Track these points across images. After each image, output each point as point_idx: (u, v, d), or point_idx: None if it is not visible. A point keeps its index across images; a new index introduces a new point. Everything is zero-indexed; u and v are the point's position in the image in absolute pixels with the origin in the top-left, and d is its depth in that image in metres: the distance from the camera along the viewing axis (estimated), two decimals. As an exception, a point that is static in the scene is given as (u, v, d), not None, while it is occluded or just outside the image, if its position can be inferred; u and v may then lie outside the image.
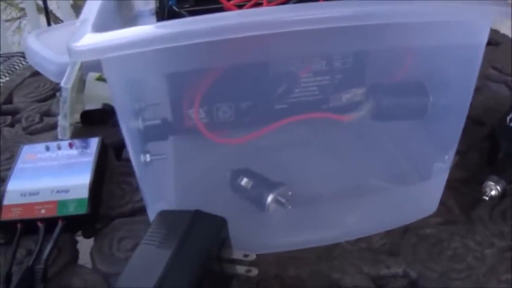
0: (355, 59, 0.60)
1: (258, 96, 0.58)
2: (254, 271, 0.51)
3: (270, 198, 0.57)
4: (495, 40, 1.06)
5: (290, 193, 0.57)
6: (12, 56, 1.27)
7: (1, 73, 1.07)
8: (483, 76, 0.92)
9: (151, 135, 0.55)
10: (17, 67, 1.00)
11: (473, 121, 0.80)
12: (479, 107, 0.83)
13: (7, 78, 1.00)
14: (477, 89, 0.88)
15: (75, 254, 0.63)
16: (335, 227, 0.61)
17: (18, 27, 3.40)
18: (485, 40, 0.52)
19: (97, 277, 0.59)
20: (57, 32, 0.99)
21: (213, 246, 0.50)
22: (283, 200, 0.57)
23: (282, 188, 0.57)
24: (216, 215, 0.51)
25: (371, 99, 0.59)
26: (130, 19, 0.63)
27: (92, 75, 0.80)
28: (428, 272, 0.57)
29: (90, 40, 0.45)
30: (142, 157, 0.54)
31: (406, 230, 0.62)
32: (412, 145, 0.65)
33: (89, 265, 0.62)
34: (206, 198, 0.59)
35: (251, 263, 0.52)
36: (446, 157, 0.61)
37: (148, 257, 0.49)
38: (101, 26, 0.47)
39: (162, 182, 0.59)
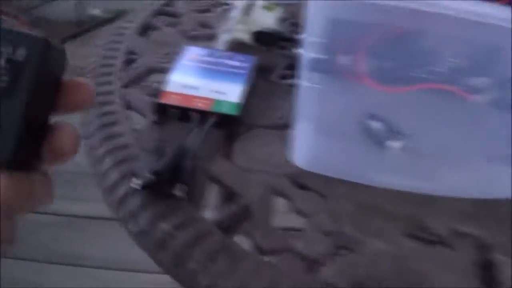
0: (490, 53, 0.68)
1: (404, 60, 0.67)
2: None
3: (392, 141, 0.68)
4: None
5: (408, 143, 0.68)
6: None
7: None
8: None
9: (315, 66, 0.65)
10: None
11: None
12: None
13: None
14: None
15: (218, 147, 0.75)
16: (437, 181, 0.72)
17: None
18: None
19: (234, 169, 0.71)
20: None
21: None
22: (401, 146, 0.67)
23: (403, 137, 0.68)
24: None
25: (496, 90, 0.68)
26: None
27: (260, 3, 0.90)
28: (497, 239, 0.67)
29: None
30: (304, 82, 0.65)
31: (489, 205, 0.72)
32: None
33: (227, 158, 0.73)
34: (339, 127, 0.70)
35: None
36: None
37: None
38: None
39: (311, 107, 0.69)
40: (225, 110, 0.75)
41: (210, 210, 0.68)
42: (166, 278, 1.60)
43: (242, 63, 0.83)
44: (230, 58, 0.83)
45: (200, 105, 0.75)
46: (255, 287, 0.58)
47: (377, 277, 0.61)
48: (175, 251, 0.61)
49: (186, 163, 0.67)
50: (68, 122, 0.38)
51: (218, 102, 0.75)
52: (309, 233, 0.64)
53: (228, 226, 0.65)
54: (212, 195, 0.71)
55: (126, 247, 1.68)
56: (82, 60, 0.91)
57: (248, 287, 0.58)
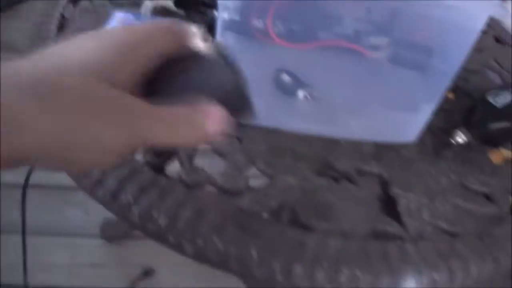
0: (389, 16, 0.78)
1: (311, 22, 0.77)
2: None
3: (300, 91, 0.78)
4: (505, 41, 1.26)
5: (315, 93, 0.78)
6: None
7: None
8: (484, 64, 1.12)
9: (230, 27, 0.74)
10: None
11: (462, 92, 1.00)
12: (472, 83, 1.03)
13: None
14: (475, 72, 1.09)
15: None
16: (341, 126, 0.83)
17: None
18: (478, 27, 0.71)
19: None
20: None
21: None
22: (308, 96, 0.78)
23: (310, 87, 0.78)
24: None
25: (391, 48, 0.79)
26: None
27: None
28: (397, 176, 0.79)
29: None
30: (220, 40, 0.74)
31: (391, 148, 0.83)
32: (410, 87, 0.84)
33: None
34: (254, 80, 0.78)
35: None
36: (433, 101, 0.81)
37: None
38: None
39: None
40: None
41: (140, 153, 0.76)
42: (97, 241, 1.68)
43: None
44: (152, 21, 0.92)
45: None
46: (183, 215, 0.67)
47: (288, 206, 0.72)
48: (111, 187, 0.69)
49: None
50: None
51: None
52: (227, 170, 0.74)
53: (156, 165, 0.74)
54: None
55: (56, 213, 1.75)
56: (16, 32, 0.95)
57: (176, 214, 0.67)
